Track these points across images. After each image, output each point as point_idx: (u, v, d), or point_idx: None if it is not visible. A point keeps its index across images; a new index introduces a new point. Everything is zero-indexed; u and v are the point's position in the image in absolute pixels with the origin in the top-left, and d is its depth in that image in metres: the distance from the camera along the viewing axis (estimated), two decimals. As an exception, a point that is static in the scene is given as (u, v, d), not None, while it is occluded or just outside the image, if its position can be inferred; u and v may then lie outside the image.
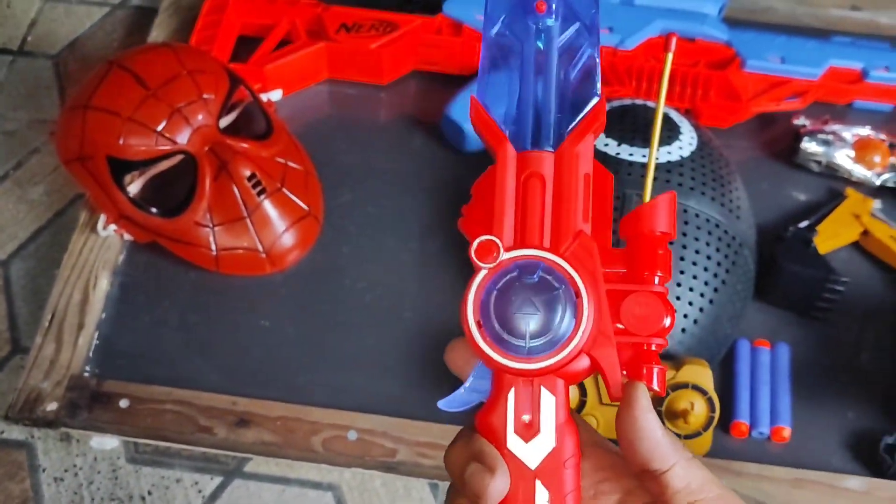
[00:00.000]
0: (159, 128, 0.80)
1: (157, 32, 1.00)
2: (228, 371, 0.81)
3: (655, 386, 0.41)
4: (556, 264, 0.41)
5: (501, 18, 0.43)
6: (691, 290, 0.76)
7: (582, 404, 0.73)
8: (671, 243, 0.76)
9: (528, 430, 0.41)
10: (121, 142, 0.80)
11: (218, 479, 0.79)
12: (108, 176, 0.82)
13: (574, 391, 0.72)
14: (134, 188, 0.85)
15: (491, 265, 0.41)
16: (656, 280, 0.41)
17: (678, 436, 0.72)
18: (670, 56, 0.72)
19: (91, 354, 0.81)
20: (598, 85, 0.42)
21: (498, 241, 0.41)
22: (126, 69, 0.83)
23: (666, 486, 0.40)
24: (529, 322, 0.41)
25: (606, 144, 0.81)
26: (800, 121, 0.93)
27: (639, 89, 0.93)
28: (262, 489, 0.78)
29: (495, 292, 0.41)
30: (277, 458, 0.77)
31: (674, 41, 0.74)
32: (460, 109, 0.92)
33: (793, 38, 0.96)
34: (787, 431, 0.78)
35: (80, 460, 0.79)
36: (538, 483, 0.41)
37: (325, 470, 0.78)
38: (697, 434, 0.73)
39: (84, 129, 0.82)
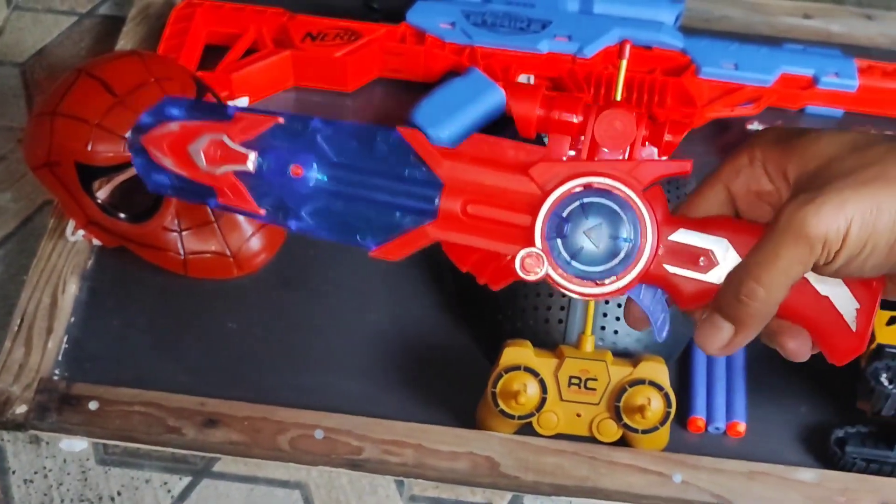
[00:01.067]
0: (127, 134, 0.81)
1: (125, 41, 1.01)
2: (197, 373, 0.82)
3: (674, 137, 0.46)
4: (559, 198, 0.43)
5: (294, 210, 0.47)
6: (648, 289, 0.78)
7: (542, 401, 0.75)
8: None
9: (709, 262, 0.44)
10: (89, 148, 0.81)
11: (187, 479, 0.80)
12: (76, 182, 0.83)
13: (535, 388, 0.74)
14: (102, 194, 0.86)
15: (545, 265, 0.43)
16: (580, 118, 0.44)
17: (635, 430, 0.75)
18: (624, 63, 0.75)
19: (60, 358, 0.82)
20: (380, 127, 0.47)
21: (524, 251, 0.43)
22: (94, 76, 0.84)
23: None
24: (610, 237, 0.43)
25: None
26: (753, 126, 0.96)
27: (597, 96, 0.96)
28: (231, 488, 0.80)
29: (570, 260, 0.43)
30: (245, 457, 0.78)
31: (627, 48, 0.76)
32: (424, 115, 0.93)
33: (746, 45, 0.99)
34: (742, 426, 0.80)
35: (49, 462, 0.80)
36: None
37: (293, 468, 0.80)
38: (654, 429, 0.75)
39: (52, 135, 0.83)
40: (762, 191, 0.44)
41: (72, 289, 0.85)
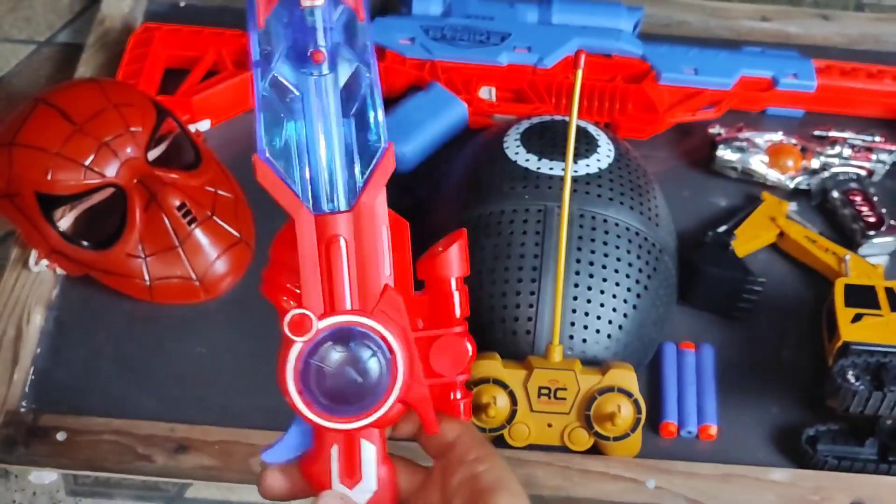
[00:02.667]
0: (87, 162, 0.81)
1: (84, 68, 1.01)
2: (166, 399, 0.81)
3: (462, 417, 0.45)
4: (368, 326, 0.43)
5: (273, 71, 0.41)
6: (614, 296, 0.78)
7: (513, 413, 0.74)
8: (593, 252, 0.78)
9: (352, 478, 0.45)
10: (49, 177, 0.81)
11: (159, 507, 0.80)
12: (37, 211, 0.83)
13: (505, 400, 0.74)
14: (65, 223, 0.86)
15: (306, 338, 0.42)
16: (457, 315, 0.44)
17: (607, 438, 0.75)
18: (580, 72, 0.76)
19: (27, 389, 0.81)
20: (383, 131, 0.42)
21: (310, 314, 0.42)
22: (51, 105, 0.84)
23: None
24: (349, 387, 0.43)
25: (528, 160, 0.83)
26: (715, 129, 0.96)
27: (558, 105, 0.96)
28: (204, 514, 0.79)
29: (313, 363, 0.43)
30: (218, 481, 0.78)
31: (582, 58, 0.77)
32: (388, 132, 0.93)
33: (705, 49, 1.00)
34: (714, 429, 0.81)
35: (19, 496, 0.79)
36: None
37: (266, 491, 0.79)
38: (626, 436, 0.75)
39: (11, 166, 0.82)
40: None
41: (37, 319, 0.85)
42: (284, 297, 0.43)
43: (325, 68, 0.41)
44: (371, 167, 0.41)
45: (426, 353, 0.44)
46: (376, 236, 0.42)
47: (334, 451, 0.45)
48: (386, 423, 0.45)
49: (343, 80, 0.42)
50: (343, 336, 0.43)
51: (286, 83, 0.42)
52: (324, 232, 0.42)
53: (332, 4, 0.41)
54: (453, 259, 0.44)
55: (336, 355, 0.43)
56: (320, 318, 0.42)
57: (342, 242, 0.42)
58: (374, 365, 0.43)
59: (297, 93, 0.42)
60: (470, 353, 0.44)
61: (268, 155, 0.41)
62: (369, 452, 0.45)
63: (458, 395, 0.45)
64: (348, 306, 0.42)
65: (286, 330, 0.42)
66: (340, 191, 0.42)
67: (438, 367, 0.44)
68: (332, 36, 0.41)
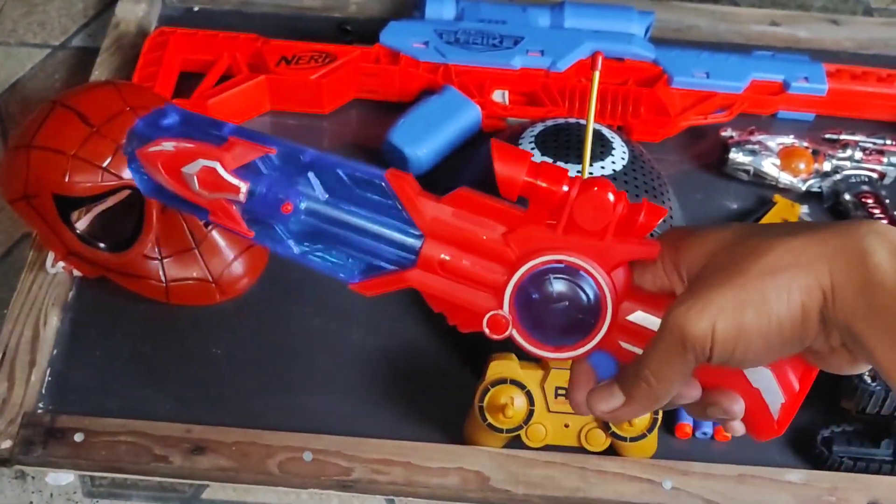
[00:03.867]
0: (104, 164, 0.82)
1: (99, 72, 1.01)
2: (182, 400, 0.82)
3: (652, 224, 0.44)
4: (529, 270, 0.44)
5: (282, 238, 0.47)
6: (630, 297, 0.78)
7: (530, 413, 0.75)
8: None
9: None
10: (66, 179, 0.81)
11: (176, 508, 0.80)
12: (54, 213, 0.83)
13: (523, 400, 0.74)
14: (82, 224, 0.86)
15: (510, 328, 0.45)
16: (565, 188, 0.43)
17: (623, 439, 0.75)
18: (597, 74, 0.76)
19: (44, 391, 0.82)
20: (371, 167, 0.46)
21: (492, 312, 0.45)
22: (69, 107, 0.84)
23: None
24: (570, 312, 0.45)
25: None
26: (727, 132, 0.97)
27: (572, 109, 0.97)
28: (221, 515, 0.79)
29: (535, 327, 0.45)
30: (234, 483, 0.78)
31: (600, 59, 0.77)
32: (401, 135, 0.94)
33: (716, 54, 1.00)
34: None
35: (36, 497, 0.79)
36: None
37: (283, 492, 0.79)
38: (642, 436, 0.75)
39: (28, 167, 0.82)
40: (666, 289, 0.46)
41: (53, 321, 0.85)
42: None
43: (301, 205, 0.46)
44: (396, 198, 0.45)
45: (576, 226, 0.44)
46: (455, 227, 0.45)
47: (627, 346, 0.45)
48: (622, 294, 0.45)
49: (317, 188, 0.46)
50: (526, 294, 0.45)
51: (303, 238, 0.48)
52: (432, 267, 0.46)
53: (254, 177, 0.46)
54: (504, 163, 0.44)
55: (538, 308, 0.45)
56: (499, 306, 0.45)
57: (446, 257, 0.45)
58: (560, 284, 0.44)
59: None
60: (603, 193, 0.43)
61: (358, 278, 0.47)
62: (641, 317, 0.45)
63: (639, 216, 0.44)
64: (502, 279, 0.45)
65: (497, 338, 0.46)
66: (402, 238, 0.46)
67: (597, 224, 0.43)
68: (276, 187, 0.46)
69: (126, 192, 0.84)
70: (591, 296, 0.44)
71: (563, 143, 0.86)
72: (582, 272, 0.44)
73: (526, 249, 0.44)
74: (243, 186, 0.46)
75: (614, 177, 0.83)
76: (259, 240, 0.47)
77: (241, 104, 0.97)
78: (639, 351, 0.45)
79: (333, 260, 0.47)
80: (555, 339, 0.45)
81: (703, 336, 0.41)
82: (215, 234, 0.85)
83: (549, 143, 0.86)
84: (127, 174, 0.82)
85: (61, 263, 0.86)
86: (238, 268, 0.86)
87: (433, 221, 0.45)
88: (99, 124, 0.83)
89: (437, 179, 0.94)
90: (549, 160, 0.84)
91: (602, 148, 0.85)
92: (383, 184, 0.45)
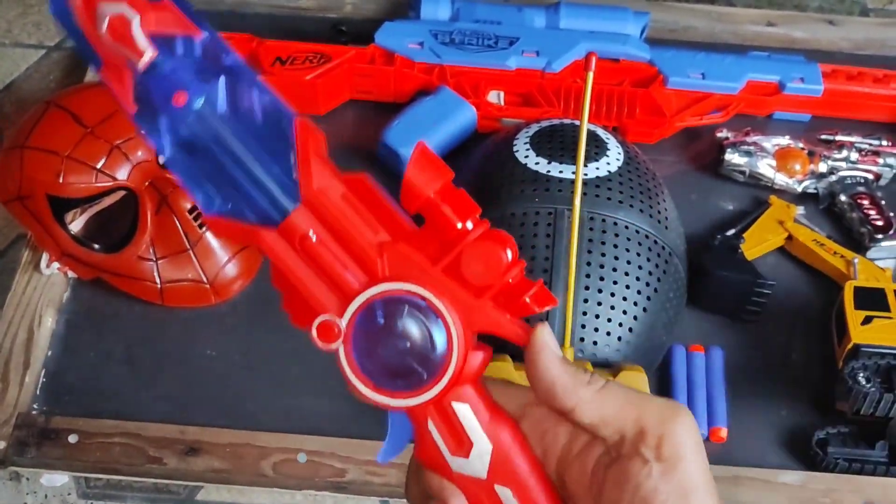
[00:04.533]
0: (98, 165, 0.82)
1: (94, 73, 1.01)
2: (176, 401, 0.81)
3: (536, 309, 0.39)
4: (386, 292, 0.40)
5: (161, 129, 0.40)
6: (625, 299, 0.79)
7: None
8: (591, 253, 0.79)
9: (462, 447, 0.41)
10: (60, 180, 0.81)
11: (170, 510, 0.80)
12: (48, 214, 0.83)
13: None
14: (76, 225, 0.86)
15: (339, 341, 0.40)
16: (469, 226, 0.39)
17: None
18: (591, 75, 0.76)
19: (38, 392, 0.81)
20: (285, 106, 0.40)
21: (329, 317, 0.40)
22: (63, 108, 0.84)
23: (581, 425, 0.38)
24: (405, 356, 0.40)
25: (537, 163, 0.83)
26: (722, 133, 0.97)
27: (567, 109, 0.96)
28: (215, 517, 0.79)
29: (363, 353, 0.40)
30: (228, 484, 0.78)
31: (594, 60, 0.77)
32: (396, 136, 0.94)
33: (712, 54, 1.00)
34: (724, 432, 0.81)
35: (30, 498, 0.79)
36: (496, 487, 0.41)
37: (277, 493, 0.79)
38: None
39: (22, 168, 0.82)
40: (513, 413, 0.42)
41: (48, 322, 0.85)
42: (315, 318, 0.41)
43: (196, 104, 0.40)
44: (293, 149, 0.40)
45: (460, 274, 0.39)
46: (339, 210, 0.40)
47: (432, 428, 0.41)
48: (469, 375, 0.40)
49: (221, 96, 0.40)
50: (373, 315, 0.40)
51: (181, 142, 0.41)
52: (292, 238, 0.40)
53: (165, 51, 0.40)
54: (419, 171, 0.39)
55: (379, 335, 0.40)
56: (340, 313, 0.40)
57: (312, 236, 0.40)
58: (412, 322, 0.40)
59: (193, 136, 0.40)
60: (505, 250, 0.39)
61: (215, 210, 0.40)
62: (466, 413, 0.40)
63: (527, 295, 0.39)
64: (359, 288, 0.40)
65: (320, 345, 0.41)
66: (279, 192, 0.40)
67: (479, 280, 0.39)
68: (181, 73, 0.40)
69: (121, 194, 0.84)
70: (438, 348, 0.40)
71: (559, 143, 0.86)
72: (440, 320, 0.40)
73: (396, 269, 0.40)
74: (148, 52, 0.39)
75: (609, 177, 0.83)
76: (139, 121, 0.41)
77: (236, 105, 0.97)
78: (441, 444, 0.41)
79: (200, 183, 0.41)
80: (378, 376, 0.41)
81: (681, 449, 0.38)
82: (210, 236, 0.85)
83: (543, 143, 0.86)
84: (121, 175, 0.82)
85: (56, 264, 0.86)
86: (232, 269, 0.86)
87: (318, 192, 0.40)
88: (93, 125, 0.83)
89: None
90: (545, 160, 0.84)
91: (597, 149, 0.85)
92: (288, 126, 0.40)
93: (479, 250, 0.39)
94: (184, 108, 0.40)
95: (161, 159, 0.39)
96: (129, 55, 0.39)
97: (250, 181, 0.40)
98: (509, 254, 0.39)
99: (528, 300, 0.39)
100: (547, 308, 0.39)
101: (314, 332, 0.40)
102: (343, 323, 0.40)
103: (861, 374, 0.76)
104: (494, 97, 0.99)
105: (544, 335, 0.39)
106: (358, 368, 0.41)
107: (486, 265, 0.39)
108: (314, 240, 0.40)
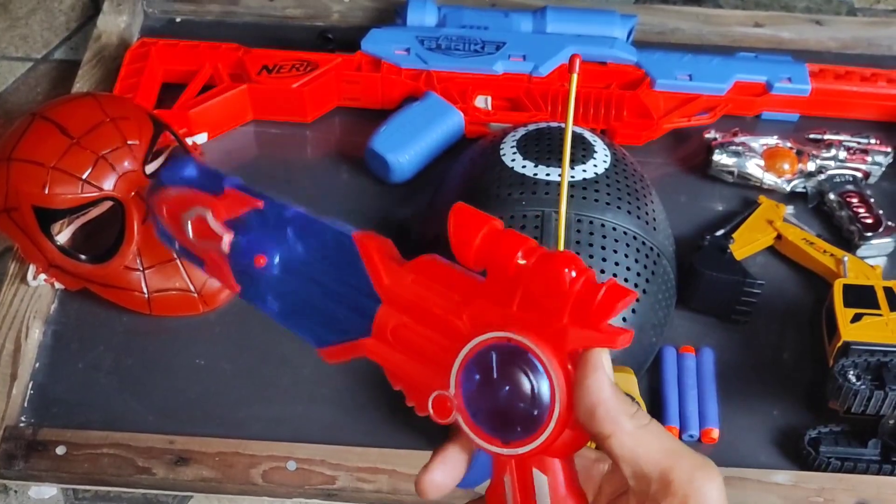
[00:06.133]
0: (84, 175, 0.81)
1: (81, 84, 1.01)
2: (165, 411, 0.81)
3: (612, 308, 0.38)
4: (475, 346, 0.40)
5: (262, 293, 0.45)
6: (613, 300, 0.78)
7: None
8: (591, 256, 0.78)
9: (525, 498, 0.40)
10: (46, 191, 0.81)
11: (160, 520, 0.79)
12: (35, 226, 0.83)
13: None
14: (63, 237, 0.86)
15: (454, 412, 0.41)
16: (520, 259, 0.39)
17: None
18: (575, 77, 0.76)
19: (26, 404, 0.81)
20: (343, 228, 0.44)
21: (439, 392, 0.41)
22: (48, 119, 0.84)
23: (612, 454, 0.38)
24: (511, 408, 0.40)
25: (524, 166, 0.83)
26: (711, 134, 0.96)
27: (554, 113, 0.96)
28: (205, 526, 0.79)
29: (477, 414, 0.40)
30: (218, 493, 0.78)
31: (577, 62, 0.77)
32: (383, 142, 0.94)
33: (699, 56, 1.00)
34: (715, 432, 0.80)
35: (19, 511, 0.79)
36: None
37: (267, 502, 0.79)
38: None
39: (8, 180, 0.82)
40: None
41: (35, 334, 0.84)
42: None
43: (275, 259, 0.45)
44: (361, 260, 0.43)
45: (537, 308, 0.39)
46: (412, 294, 0.42)
47: (507, 481, 0.41)
48: (561, 449, 0.40)
49: (292, 244, 0.45)
50: (469, 374, 0.41)
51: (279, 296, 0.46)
52: (384, 335, 0.43)
53: (239, 230, 0.45)
54: (461, 227, 0.40)
55: (480, 391, 0.41)
56: (446, 386, 0.41)
57: (405, 324, 0.42)
58: (503, 364, 0.40)
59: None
60: (567, 269, 0.38)
61: (327, 344, 0.45)
62: (541, 482, 0.40)
63: (598, 295, 0.38)
64: (452, 355, 0.41)
65: (442, 422, 0.41)
66: (364, 301, 0.43)
67: (552, 303, 0.39)
68: (257, 240, 0.45)
69: (107, 204, 0.84)
70: (536, 383, 0.39)
71: (546, 146, 0.85)
72: (529, 354, 0.39)
73: (478, 324, 0.40)
74: (227, 237, 0.45)
75: (596, 179, 0.83)
76: (245, 297, 0.46)
77: (223, 114, 0.97)
78: (509, 498, 0.41)
79: (302, 324, 0.46)
80: (499, 430, 0.40)
81: None
82: (196, 244, 0.84)
83: (530, 147, 0.85)
84: (107, 185, 0.82)
85: (43, 276, 0.86)
86: (220, 277, 0.86)
87: (391, 286, 0.42)
88: (79, 136, 0.83)
89: (420, 185, 0.94)
90: (532, 163, 0.83)
91: (584, 151, 0.85)
92: (348, 242, 0.43)
93: (540, 276, 0.39)
94: (266, 266, 0.45)
95: (239, 291, 0.45)
96: (213, 244, 0.45)
97: (339, 301, 0.44)
98: (571, 272, 0.38)
99: (600, 298, 0.38)
100: (626, 302, 0.38)
101: (432, 413, 0.41)
102: (451, 391, 0.41)
103: (851, 372, 0.75)
104: (482, 102, 0.99)
105: (601, 356, 0.38)
106: (482, 431, 0.41)
107: (549, 287, 0.39)
108: (400, 329, 0.42)
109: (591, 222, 0.80)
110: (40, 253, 0.84)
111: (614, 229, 0.80)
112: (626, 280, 0.79)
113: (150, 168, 0.86)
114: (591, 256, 0.79)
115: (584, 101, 0.97)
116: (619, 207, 0.82)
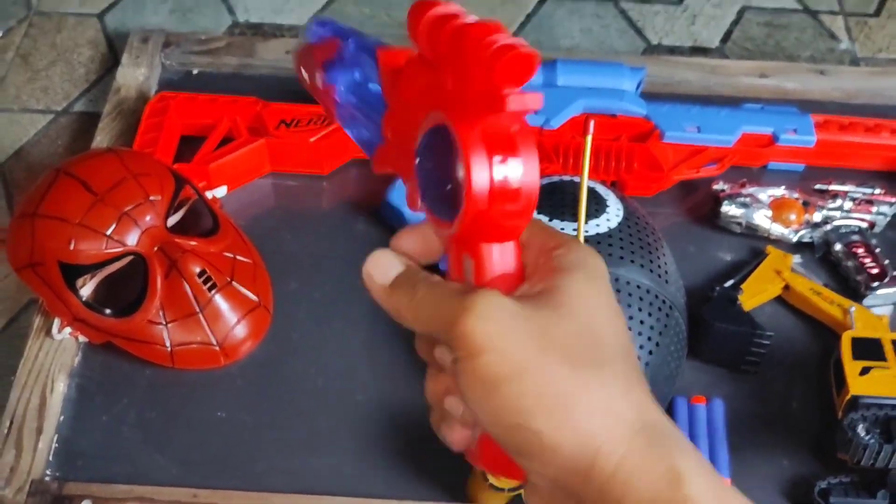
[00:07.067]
0: (108, 231, 0.83)
1: (101, 137, 1.03)
2: (188, 464, 0.83)
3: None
4: (424, 128, 0.40)
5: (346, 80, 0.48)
6: (627, 354, 0.80)
7: (531, 472, 0.76)
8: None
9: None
10: (71, 247, 0.83)
11: (183, 572, 0.80)
12: (60, 280, 0.84)
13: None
14: (86, 290, 0.87)
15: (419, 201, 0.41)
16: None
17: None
18: (589, 139, 0.78)
19: (51, 458, 0.83)
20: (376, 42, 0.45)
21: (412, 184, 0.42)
22: (72, 176, 0.86)
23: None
24: (443, 185, 0.40)
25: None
26: (719, 185, 0.98)
27: (566, 165, 0.98)
28: (228, 578, 0.80)
29: (425, 187, 0.41)
30: (240, 546, 0.79)
31: (592, 124, 0.79)
32: (398, 194, 0.96)
33: (707, 108, 1.02)
34: (727, 482, 0.82)
35: (44, 564, 0.80)
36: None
37: (289, 554, 0.80)
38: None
39: (34, 236, 0.84)
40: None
41: (60, 387, 0.86)
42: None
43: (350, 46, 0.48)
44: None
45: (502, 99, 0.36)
46: (402, 91, 0.43)
47: (444, 260, 0.42)
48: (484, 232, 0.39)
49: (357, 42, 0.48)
50: (425, 153, 0.40)
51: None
52: (386, 132, 0.45)
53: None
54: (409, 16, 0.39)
55: (429, 171, 0.41)
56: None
57: (394, 115, 0.44)
58: (444, 153, 0.38)
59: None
60: (476, 38, 0.36)
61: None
62: (468, 266, 0.40)
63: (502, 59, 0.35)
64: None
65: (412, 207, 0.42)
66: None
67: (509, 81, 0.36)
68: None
69: (130, 258, 0.86)
70: (455, 161, 0.38)
71: (559, 200, 0.87)
72: (449, 131, 0.38)
73: (428, 108, 0.39)
74: (318, 75, 0.48)
75: (609, 234, 0.85)
76: (330, 80, 0.48)
77: (242, 167, 0.99)
78: (471, 276, 0.40)
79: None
80: (441, 212, 0.40)
81: (473, 343, 0.37)
82: (218, 299, 0.86)
83: (544, 201, 0.87)
84: (130, 241, 0.84)
85: (67, 329, 0.88)
86: (241, 331, 0.88)
87: (389, 90, 0.44)
88: (103, 192, 0.85)
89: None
90: (546, 218, 0.85)
91: (597, 206, 0.87)
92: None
93: (459, 46, 0.37)
94: (339, 93, 0.48)
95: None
96: (318, 78, 0.49)
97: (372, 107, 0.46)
98: (490, 37, 0.36)
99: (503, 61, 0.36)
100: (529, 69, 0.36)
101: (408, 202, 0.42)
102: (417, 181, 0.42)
103: (861, 426, 0.77)
104: (494, 154, 1.00)
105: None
106: (430, 211, 0.41)
107: (468, 56, 0.37)
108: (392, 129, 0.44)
109: (604, 277, 0.82)
110: (65, 307, 0.86)
111: (628, 283, 0.82)
112: (639, 334, 0.81)
113: (171, 222, 0.88)
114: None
115: (595, 154, 0.99)
116: (632, 261, 0.83)
